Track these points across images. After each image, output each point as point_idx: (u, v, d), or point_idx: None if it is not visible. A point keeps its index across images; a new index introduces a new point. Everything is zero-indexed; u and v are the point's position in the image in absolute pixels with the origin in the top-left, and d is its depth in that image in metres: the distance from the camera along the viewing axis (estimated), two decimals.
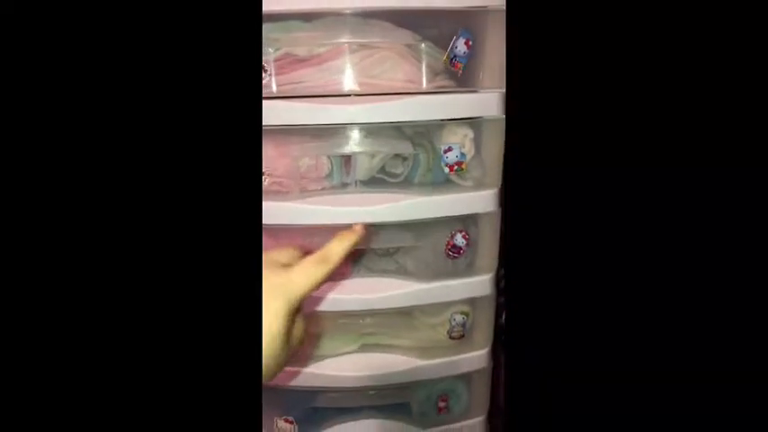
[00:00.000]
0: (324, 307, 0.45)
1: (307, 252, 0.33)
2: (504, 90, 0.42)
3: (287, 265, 0.30)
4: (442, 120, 0.42)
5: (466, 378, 0.51)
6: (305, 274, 0.30)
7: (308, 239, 0.44)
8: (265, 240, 0.45)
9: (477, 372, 0.50)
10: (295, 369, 0.47)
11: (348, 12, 0.38)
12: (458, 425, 0.52)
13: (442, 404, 0.50)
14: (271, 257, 0.31)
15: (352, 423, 0.51)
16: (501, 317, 0.60)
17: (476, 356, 0.49)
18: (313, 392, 0.49)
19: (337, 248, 0.32)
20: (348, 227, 0.45)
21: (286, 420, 0.49)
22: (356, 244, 0.32)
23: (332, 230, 0.45)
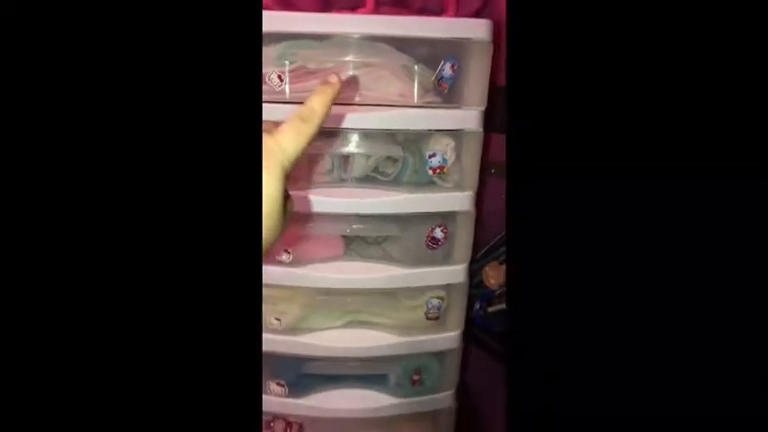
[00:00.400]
0: (317, 284, 0.52)
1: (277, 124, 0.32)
2: (483, 108, 0.49)
3: (268, 131, 0.29)
4: (429, 130, 0.49)
5: (439, 356, 0.58)
6: (293, 135, 0.28)
7: (305, 225, 0.51)
8: None
9: (450, 351, 0.57)
10: (288, 338, 0.54)
11: (354, 35, 0.45)
12: (429, 397, 0.59)
13: (416, 377, 0.57)
14: None
15: (336, 391, 0.58)
16: (473, 306, 0.68)
17: (448, 337, 0.56)
18: (303, 360, 0.55)
19: (319, 104, 0.30)
20: (344, 216, 0.52)
21: (278, 384, 0.56)
22: (336, 96, 0.31)
23: (330, 218, 0.52)
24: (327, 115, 0.30)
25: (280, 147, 0.27)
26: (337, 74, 0.31)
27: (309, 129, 0.29)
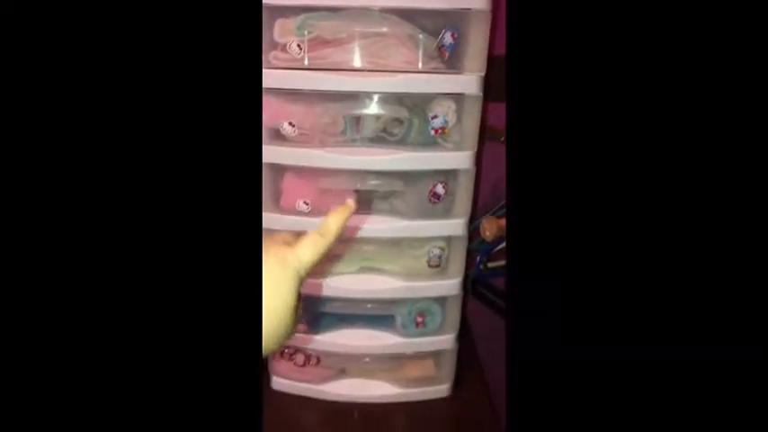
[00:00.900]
0: None
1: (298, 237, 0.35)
2: (483, 74, 0.54)
3: (289, 243, 0.32)
4: (432, 93, 0.54)
5: (441, 301, 0.64)
6: (310, 249, 0.31)
7: (321, 180, 0.58)
8: (291, 179, 0.59)
9: (450, 297, 0.64)
10: (308, 281, 0.61)
11: (365, 7, 0.51)
12: (432, 338, 0.66)
13: (419, 320, 0.64)
14: (273, 238, 0.33)
15: (350, 330, 0.65)
16: (474, 261, 0.73)
17: (449, 284, 0.63)
18: (322, 301, 0.63)
19: (334, 223, 0.33)
20: (355, 172, 0.58)
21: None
22: (349, 218, 0.34)
23: (343, 174, 0.58)
24: (342, 232, 0.33)
25: (297, 257, 0.30)
26: (353, 199, 0.34)
27: (325, 243, 0.32)
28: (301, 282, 0.31)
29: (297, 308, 0.30)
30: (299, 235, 0.33)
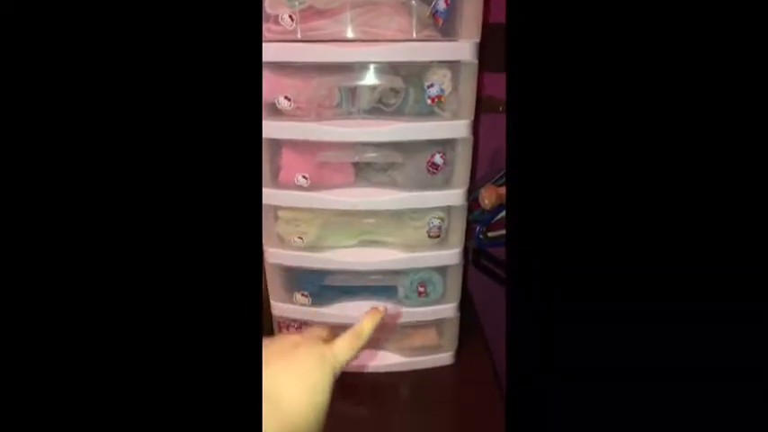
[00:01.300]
0: (333, 206, 0.59)
1: (333, 332, 0.37)
2: (477, 40, 0.54)
3: (324, 339, 0.34)
4: (428, 61, 0.54)
5: (442, 271, 0.65)
6: (346, 349, 0.33)
7: (319, 154, 0.58)
8: (289, 153, 0.59)
9: (451, 266, 0.65)
10: (310, 254, 0.62)
11: None
12: (434, 308, 0.67)
13: (421, 290, 0.65)
14: (310, 332, 0.36)
15: (353, 302, 0.67)
16: (474, 231, 0.74)
17: (449, 254, 0.63)
18: (323, 274, 0.64)
19: (368, 326, 0.35)
20: (353, 144, 0.58)
21: (303, 295, 0.65)
22: (382, 320, 0.36)
23: (341, 147, 0.58)
24: (372, 334, 0.35)
25: (334, 355, 0.32)
26: (384, 307, 0.37)
27: (359, 343, 0.34)
28: (336, 379, 0.32)
29: (328, 403, 0.31)
30: (332, 331, 0.36)
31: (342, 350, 0.33)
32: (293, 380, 0.29)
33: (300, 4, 0.51)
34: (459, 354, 0.71)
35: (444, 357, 0.70)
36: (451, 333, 0.70)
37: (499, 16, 0.74)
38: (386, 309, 0.38)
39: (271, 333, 0.71)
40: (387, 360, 0.69)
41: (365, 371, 0.68)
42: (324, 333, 0.35)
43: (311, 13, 0.52)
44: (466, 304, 0.72)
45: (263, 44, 0.52)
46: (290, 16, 0.51)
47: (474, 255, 0.91)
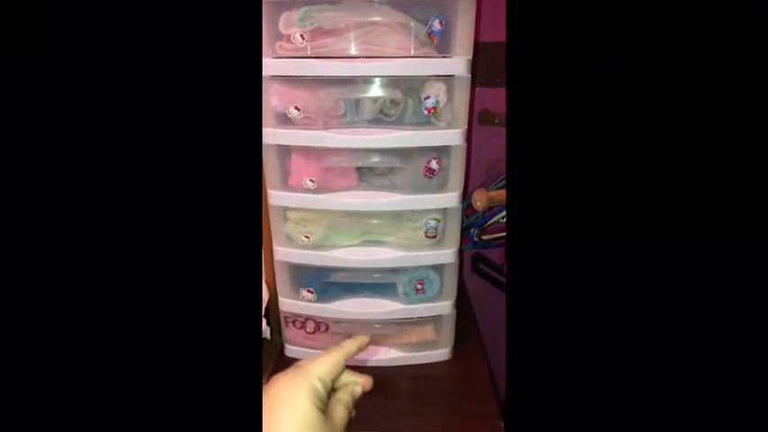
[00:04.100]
0: (338, 208, 0.64)
1: None
2: (470, 57, 0.59)
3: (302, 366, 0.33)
4: (424, 76, 0.59)
5: (438, 269, 0.69)
6: (322, 359, 0.33)
7: (325, 159, 0.63)
8: (298, 159, 0.64)
9: (447, 265, 0.69)
10: (316, 253, 0.67)
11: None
12: (431, 305, 0.71)
13: (419, 287, 0.69)
14: (286, 372, 0.34)
15: (355, 299, 0.71)
16: (469, 234, 0.79)
17: (445, 253, 0.68)
18: (328, 271, 0.68)
19: (350, 343, 0.35)
20: (357, 151, 0.64)
21: (308, 291, 0.70)
22: (363, 348, 0.37)
23: (345, 153, 0.63)
24: (353, 354, 0.36)
25: (306, 371, 0.32)
26: (367, 336, 0.38)
27: (336, 354, 0.34)
28: (320, 391, 0.31)
29: (320, 417, 0.30)
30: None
31: (317, 363, 0.32)
32: (271, 412, 0.29)
33: (310, 24, 0.57)
34: (455, 350, 0.75)
35: (442, 353, 0.74)
36: (448, 330, 0.73)
37: (490, 36, 0.81)
38: (369, 340, 0.38)
39: (278, 328, 0.75)
40: (386, 355, 0.73)
41: (365, 365, 0.71)
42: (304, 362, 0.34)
43: (320, 32, 0.58)
44: (462, 305, 0.76)
45: (277, 60, 0.58)
46: (302, 35, 0.57)
47: (473, 260, 0.95)
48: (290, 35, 0.57)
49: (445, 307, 0.71)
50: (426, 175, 0.63)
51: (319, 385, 0.31)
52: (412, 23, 0.57)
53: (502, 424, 0.61)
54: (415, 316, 0.71)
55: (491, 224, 0.77)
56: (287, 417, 0.29)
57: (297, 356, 0.74)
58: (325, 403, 0.32)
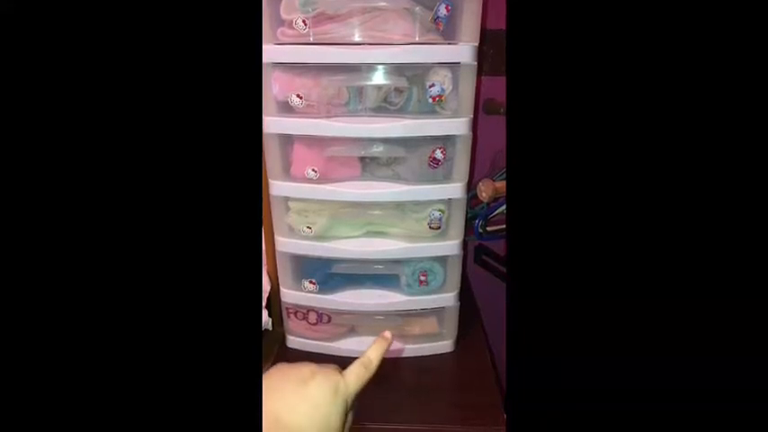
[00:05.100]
0: (341, 198, 0.63)
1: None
2: (476, 44, 0.58)
3: (338, 371, 0.35)
4: (430, 63, 0.58)
5: (442, 260, 0.69)
6: (355, 380, 0.34)
7: (328, 148, 0.62)
8: (300, 148, 0.63)
9: (451, 256, 0.68)
10: (318, 244, 0.66)
11: None
12: (434, 296, 0.70)
13: (422, 278, 0.69)
14: (323, 370, 0.35)
15: (358, 290, 0.70)
16: (473, 226, 0.78)
17: (449, 244, 0.67)
18: (330, 262, 0.68)
19: (375, 354, 0.36)
20: (360, 140, 0.63)
21: (311, 282, 0.69)
22: (389, 348, 0.37)
23: (348, 142, 0.62)
24: (380, 361, 0.37)
25: (346, 385, 0.33)
26: (390, 333, 0.38)
27: (367, 374, 0.35)
28: (348, 406, 0.34)
29: (341, 430, 0.33)
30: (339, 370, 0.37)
31: (352, 382, 0.34)
32: (308, 411, 0.31)
33: (313, 10, 0.56)
34: (458, 342, 0.74)
35: (445, 345, 0.73)
36: (451, 322, 0.73)
37: (496, 23, 0.79)
38: (392, 337, 0.38)
39: (280, 319, 0.75)
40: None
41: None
42: (337, 368, 0.36)
43: (323, 18, 0.56)
44: (466, 297, 0.76)
45: (279, 46, 0.57)
46: (304, 21, 0.56)
47: (475, 251, 0.94)
48: (291, 21, 0.56)
49: (448, 299, 0.71)
50: (431, 165, 0.62)
51: (349, 400, 0.34)
52: (417, 8, 0.56)
53: (505, 415, 0.61)
54: (418, 308, 0.70)
55: (496, 215, 0.76)
56: (321, 427, 0.31)
57: (299, 348, 0.73)
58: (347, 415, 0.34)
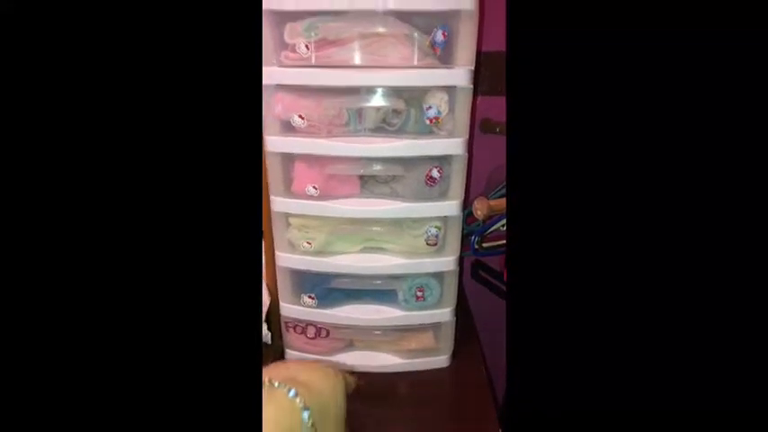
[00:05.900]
0: (340, 215, 0.65)
1: None
2: (472, 68, 0.60)
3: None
4: (426, 86, 0.60)
5: (438, 276, 0.70)
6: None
7: (328, 167, 0.64)
8: (301, 166, 0.65)
9: (447, 272, 0.69)
10: (317, 259, 0.67)
11: (364, 11, 0.57)
12: (431, 312, 0.71)
13: (419, 294, 0.70)
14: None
15: (356, 305, 0.71)
16: (470, 242, 0.79)
17: (446, 260, 0.68)
18: (329, 277, 0.69)
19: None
20: (359, 159, 0.65)
21: (309, 297, 0.70)
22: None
23: (348, 161, 0.64)
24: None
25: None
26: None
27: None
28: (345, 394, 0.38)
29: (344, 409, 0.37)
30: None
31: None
32: (317, 374, 0.36)
33: (315, 35, 0.58)
34: (454, 357, 0.75)
35: (441, 360, 0.74)
36: (447, 337, 0.74)
37: (492, 45, 0.82)
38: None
39: (279, 333, 0.75)
40: (386, 361, 0.73)
41: (365, 371, 0.72)
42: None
43: (324, 42, 0.59)
44: (462, 313, 0.77)
45: (282, 69, 0.59)
46: (306, 45, 0.58)
47: (472, 267, 0.96)
48: (295, 45, 0.58)
49: (445, 314, 0.72)
50: (428, 184, 0.64)
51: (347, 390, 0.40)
52: (415, 34, 0.58)
53: (500, 430, 0.62)
54: (414, 323, 0.71)
55: (491, 232, 0.77)
56: (331, 382, 0.36)
57: None
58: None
